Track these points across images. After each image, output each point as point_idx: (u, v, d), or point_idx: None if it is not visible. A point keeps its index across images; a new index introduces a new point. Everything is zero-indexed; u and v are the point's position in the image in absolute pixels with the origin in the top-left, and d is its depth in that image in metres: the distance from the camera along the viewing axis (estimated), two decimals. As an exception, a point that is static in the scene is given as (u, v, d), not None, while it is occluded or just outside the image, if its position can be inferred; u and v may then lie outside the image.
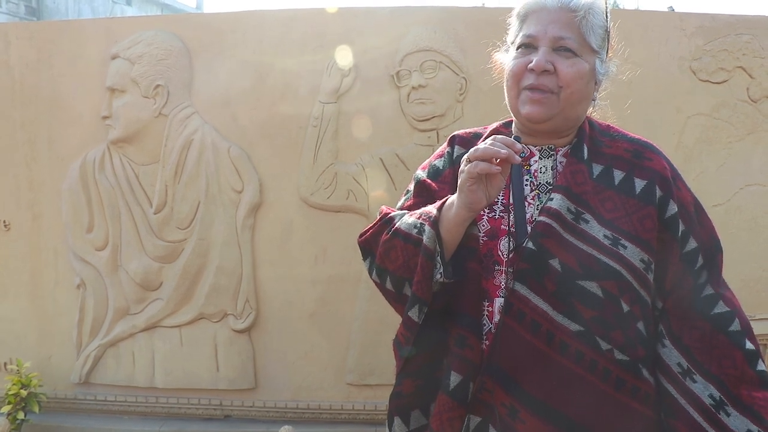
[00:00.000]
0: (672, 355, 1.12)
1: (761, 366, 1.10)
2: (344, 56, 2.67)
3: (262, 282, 2.80)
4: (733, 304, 1.14)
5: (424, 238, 1.12)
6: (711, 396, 1.07)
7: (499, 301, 1.14)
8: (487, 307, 1.15)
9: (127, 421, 2.87)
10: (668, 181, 1.13)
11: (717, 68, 2.72)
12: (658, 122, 2.72)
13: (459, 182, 1.08)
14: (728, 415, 1.06)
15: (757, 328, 1.18)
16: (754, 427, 1.04)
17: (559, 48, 1.11)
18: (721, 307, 1.12)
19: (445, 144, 1.34)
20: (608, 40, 1.18)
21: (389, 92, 2.70)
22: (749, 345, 1.10)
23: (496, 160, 1.03)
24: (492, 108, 2.61)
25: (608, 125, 1.25)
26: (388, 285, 1.23)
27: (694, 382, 1.09)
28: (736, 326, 1.11)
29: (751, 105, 2.75)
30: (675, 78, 2.73)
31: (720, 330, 1.11)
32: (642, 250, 1.09)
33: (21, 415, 2.68)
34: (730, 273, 1.22)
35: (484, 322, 1.15)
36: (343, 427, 2.79)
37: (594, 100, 1.20)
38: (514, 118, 1.25)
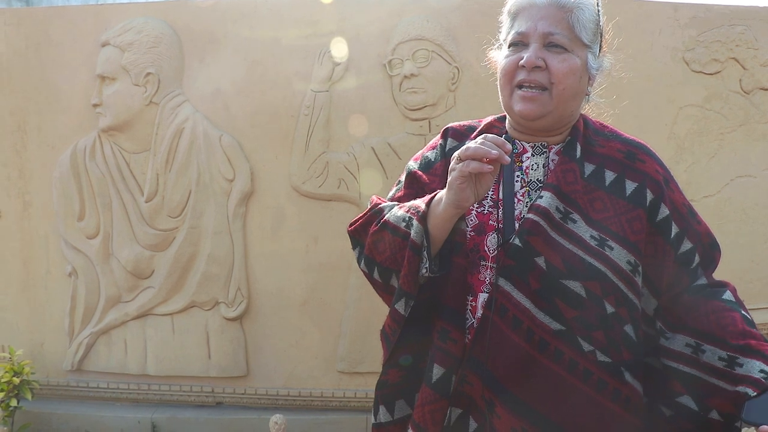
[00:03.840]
0: (677, 340, 1.13)
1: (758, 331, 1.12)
2: (340, 48, 2.65)
3: (254, 270, 2.80)
4: (723, 284, 1.18)
5: (412, 232, 1.12)
6: (720, 358, 1.08)
7: (482, 296, 1.14)
8: (471, 301, 1.16)
9: (119, 407, 2.89)
10: (659, 184, 1.13)
11: (710, 59, 2.71)
12: (651, 113, 2.72)
13: (449, 180, 1.08)
14: (741, 365, 1.06)
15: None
16: (766, 367, 1.04)
17: (550, 44, 1.11)
18: (712, 286, 1.17)
19: (439, 136, 1.33)
20: (601, 34, 1.17)
21: (381, 81, 2.68)
22: (744, 312, 1.13)
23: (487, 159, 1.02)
24: (484, 97, 2.63)
25: (603, 124, 1.25)
26: (376, 275, 1.25)
27: (704, 352, 1.10)
28: (729, 296, 1.15)
29: (744, 96, 2.75)
30: (668, 68, 2.72)
31: (713, 298, 1.14)
32: (629, 252, 1.09)
33: (14, 402, 2.69)
34: (719, 264, 1.23)
35: (468, 316, 1.15)
36: (334, 414, 2.81)
37: (587, 95, 1.19)
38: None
